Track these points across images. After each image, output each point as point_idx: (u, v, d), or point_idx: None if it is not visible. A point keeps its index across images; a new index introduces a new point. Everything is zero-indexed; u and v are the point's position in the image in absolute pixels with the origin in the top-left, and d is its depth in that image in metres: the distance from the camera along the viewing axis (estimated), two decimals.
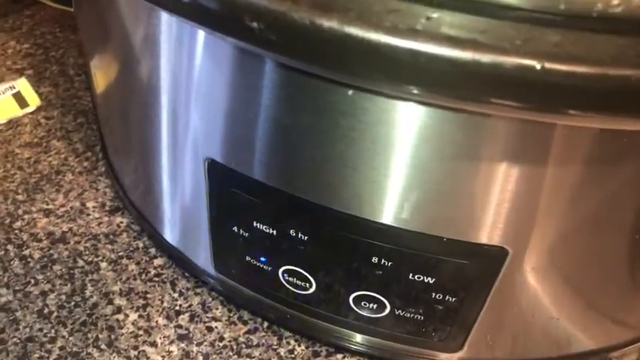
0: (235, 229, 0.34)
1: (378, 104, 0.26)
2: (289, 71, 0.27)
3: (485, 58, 0.20)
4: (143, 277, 0.44)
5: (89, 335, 0.40)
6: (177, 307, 0.42)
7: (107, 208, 0.48)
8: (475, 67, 0.20)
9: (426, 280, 0.32)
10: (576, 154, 0.27)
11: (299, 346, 0.41)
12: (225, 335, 0.41)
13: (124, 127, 0.41)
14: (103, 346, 0.40)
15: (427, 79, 0.21)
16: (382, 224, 0.30)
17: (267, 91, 0.28)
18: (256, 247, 0.35)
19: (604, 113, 0.22)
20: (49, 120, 0.54)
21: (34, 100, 0.55)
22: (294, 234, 0.32)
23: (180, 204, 0.38)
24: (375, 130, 0.27)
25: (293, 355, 0.40)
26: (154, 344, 0.40)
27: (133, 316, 0.41)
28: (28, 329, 0.40)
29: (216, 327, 0.41)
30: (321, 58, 0.22)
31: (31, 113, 0.54)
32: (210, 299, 0.43)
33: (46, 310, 0.41)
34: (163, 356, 0.40)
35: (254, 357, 0.40)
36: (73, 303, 0.42)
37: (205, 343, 0.41)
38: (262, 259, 0.35)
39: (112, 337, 0.40)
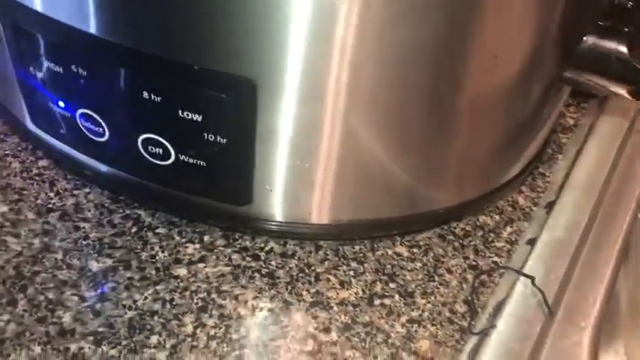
0: (32, 70, 0.35)
1: None
2: None
3: None
4: (24, 175, 0.44)
5: None
6: (49, 205, 0.42)
7: None
8: None
9: (194, 118, 0.33)
10: None
11: (162, 252, 0.41)
12: (91, 235, 0.41)
13: None
14: None
15: None
16: (141, 52, 0.31)
17: None
18: (52, 89, 0.35)
19: None
20: None
21: None
22: (75, 69, 0.33)
23: None
24: None
25: (154, 260, 0.40)
26: (17, 235, 0.40)
27: (4, 208, 0.42)
28: None
29: (83, 227, 0.41)
30: None
31: None
32: (85, 201, 0.43)
33: None
34: (24, 247, 0.40)
35: (114, 257, 0.40)
36: None
37: (69, 240, 0.41)
38: (60, 102, 0.36)
39: None
